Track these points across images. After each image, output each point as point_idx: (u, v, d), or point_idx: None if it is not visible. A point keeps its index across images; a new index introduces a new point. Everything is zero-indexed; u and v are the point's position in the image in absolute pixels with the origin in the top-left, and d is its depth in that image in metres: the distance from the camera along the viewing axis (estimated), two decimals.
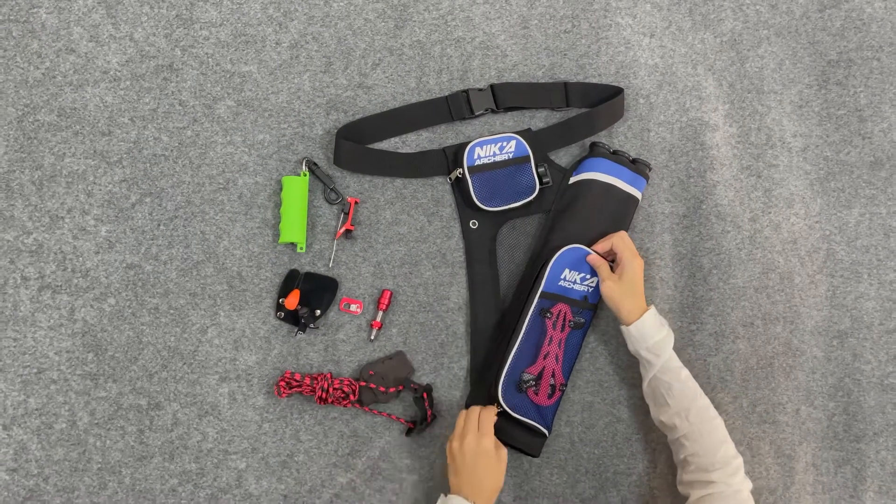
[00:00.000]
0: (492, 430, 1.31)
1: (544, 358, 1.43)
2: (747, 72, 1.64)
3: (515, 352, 1.41)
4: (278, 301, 1.43)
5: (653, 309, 1.38)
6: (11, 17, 1.44)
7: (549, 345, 1.43)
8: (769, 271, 1.57)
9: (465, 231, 1.50)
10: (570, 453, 1.48)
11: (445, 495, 1.26)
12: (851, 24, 1.69)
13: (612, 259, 1.44)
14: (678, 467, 1.35)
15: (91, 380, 1.38)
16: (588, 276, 1.46)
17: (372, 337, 1.45)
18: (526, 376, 1.42)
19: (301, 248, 1.45)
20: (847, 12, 1.69)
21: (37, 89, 1.43)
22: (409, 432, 1.43)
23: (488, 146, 1.49)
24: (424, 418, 1.42)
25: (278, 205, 1.46)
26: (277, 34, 1.51)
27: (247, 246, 1.45)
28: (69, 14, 1.46)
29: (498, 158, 1.48)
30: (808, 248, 1.61)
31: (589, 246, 1.45)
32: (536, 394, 1.42)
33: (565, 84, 1.56)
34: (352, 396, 1.38)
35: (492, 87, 1.54)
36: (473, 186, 1.47)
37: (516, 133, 1.50)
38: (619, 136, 1.58)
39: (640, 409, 1.49)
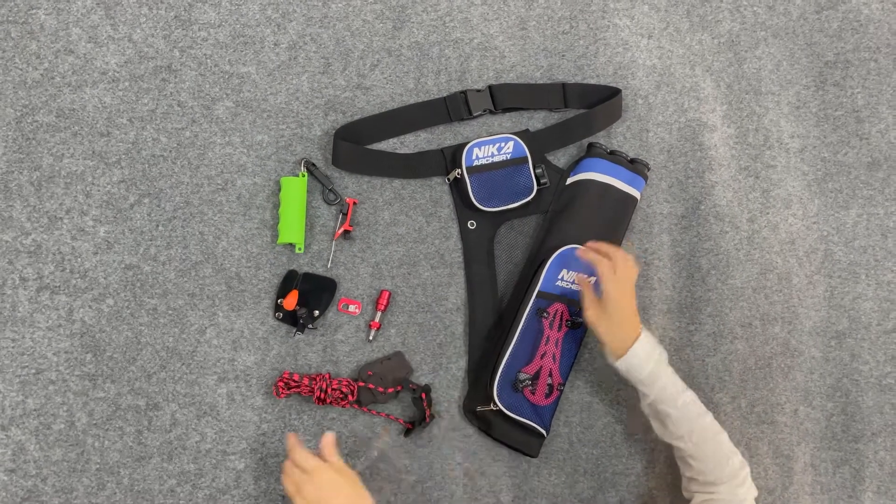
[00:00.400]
0: (336, 457, 1.19)
1: (541, 357, 1.43)
2: (745, 73, 1.65)
3: (511, 351, 1.41)
4: (277, 301, 1.43)
5: (643, 337, 1.29)
6: (10, 18, 1.44)
7: (545, 344, 1.43)
8: (767, 272, 1.58)
9: (464, 231, 1.50)
10: (569, 453, 1.48)
11: None
12: (849, 26, 1.70)
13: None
14: (682, 476, 1.35)
15: (89, 380, 1.38)
16: (586, 277, 1.46)
17: (370, 337, 1.45)
18: (522, 376, 1.42)
19: (299, 249, 1.45)
20: (844, 14, 1.70)
21: (35, 90, 1.43)
22: (407, 432, 1.43)
23: (486, 147, 1.49)
24: (423, 419, 1.41)
25: (277, 205, 1.46)
26: (276, 35, 1.51)
27: (245, 246, 1.45)
28: (68, 15, 1.46)
29: (496, 159, 1.49)
30: (805, 248, 1.61)
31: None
32: (533, 393, 1.42)
33: (563, 85, 1.57)
34: (350, 397, 1.38)
35: (490, 88, 1.54)
36: (472, 187, 1.47)
37: (514, 134, 1.50)
38: (618, 137, 1.58)
39: (639, 409, 1.49)
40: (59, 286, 1.39)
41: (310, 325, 1.42)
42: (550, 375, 1.43)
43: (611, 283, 1.29)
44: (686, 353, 1.53)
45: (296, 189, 1.43)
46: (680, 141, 1.59)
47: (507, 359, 1.41)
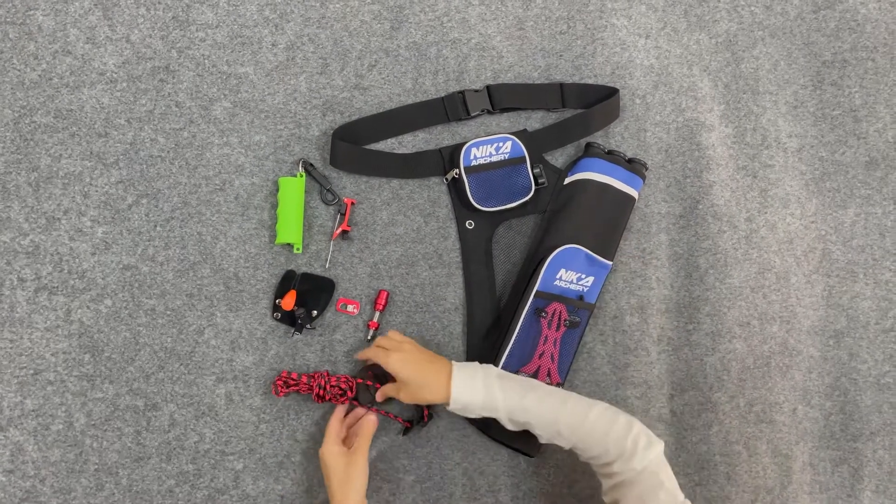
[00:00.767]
0: (331, 437, 1.30)
1: (539, 357, 1.43)
2: (742, 72, 1.65)
3: (510, 350, 1.41)
4: (275, 302, 1.43)
5: (455, 371, 1.26)
6: (8, 19, 1.44)
7: (544, 344, 1.43)
8: (765, 271, 1.58)
9: (462, 231, 1.50)
10: (568, 453, 1.47)
11: None
12: (846, 25, 1.70)
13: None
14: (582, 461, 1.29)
15: (88, 381, 1.38)
16: (584, 276, 1.46)
17: (369, 337, 1.45)
18: (521, 376, 1.42)
19: (298, 249, 1.45)
20: (841, 13, 1.70)
21: (33, 91, 1.43)
22: (405, 432, 1.43)
23: (484, 147, 1.49)
24: (421, 418, 1.41)
25: (275, 206, 1.46)
26: (274, 36, 1.52)
27: (243, 247, 1.45)
28: (66, 16, 1.46)
29: (494, 159, 1.49)
30: (804, 247, 1.61)
31: (587, 246, 1.45)
32: None
33: (561, 85, 1.57)
34: (349, 393, 1.37)
35: (488, 88, 1.54)
36: (470, 187, 1.47)
37: (512, 134, 1.50)
38: (616, 137, 1.58)
39: (638, 408, 1.49)
40: (58, 287, 1.39)
41: (308, 326, 1.42)
42: (549, 375, 1.43)
43: (382, 358, 1.29)
44: (684, 353, 1.53)
45: (294, 189, 1.43)
46: (678, 140, 1.59)
47: (506, 358, 1.41)
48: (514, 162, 1.49)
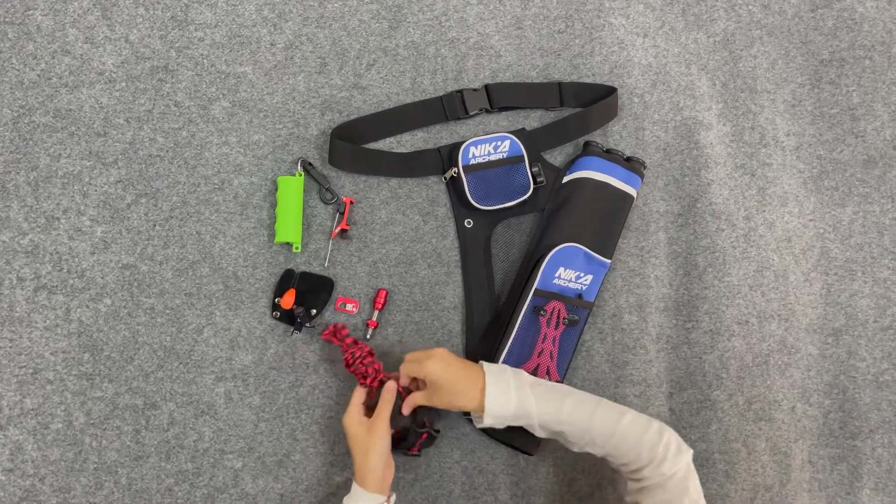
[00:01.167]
0: (352, 407, 1.28)
1: (538, 355, 1.43)
2: (740, 71, 1.65)
3: (509, 349, 1.41)
4: (274, 301, 1.43)
5: (487, 378, 1.23)
6: (7, 19, 1.45)
7: (543, 342, 1.43)
8: (764, 269, 1.58)
9: (460, 230, 1.50)
10: (567, 451, 1.48)
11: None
12: (843, 24, 1.70)
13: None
14: (612, 467, 1.29)
15: (87, 380, 1.38)
16: (583, 275, 1.46)
17: (368, 336, 1.45)
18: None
19: (297, 248, 1.45)
20: (839, 12, 1.70)
21: (32, 91, 1.44)
22: (394, 445, 1.35)
23: (483, 145, 1.49)
24: (410, 446, 1.36)
25: (274, 205, 1.46)
26: (272, 35, 1.52)
27: (242, 246, 1.45)
28: (64, 16, 1.47)
29: (492, 158, 1.49)
30: (802, 246, 1.61)
31: (586, 244, 1.45)
32: None
33: (559, 84, 1.57)
34: (369, 381, 1.33)
35: (486, 87, 1.55)
36: (468, 185, 1.47)
37: (510, 132, 1.51)
38: (615, 136, 1.59)
39: (637, 406, 1.49)
40: (57, 286, 1.39)
41: (307, 324, 1.42)
42: (548, 373, 1.43)
43: (415, 369, 1.26)
44: (683, 351, 1.53)
45: (293, 188, 1.43)
46: (676, 139, 1.59)
47: (505, 357, 1.41)
48: (513, 161, 1.49)
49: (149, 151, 1.45)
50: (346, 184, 1.49)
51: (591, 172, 1.50)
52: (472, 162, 1.48)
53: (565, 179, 1.52)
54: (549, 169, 1.53)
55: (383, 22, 1.55)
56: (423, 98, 1.54)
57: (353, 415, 1.27)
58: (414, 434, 1.34)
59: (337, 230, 1.46)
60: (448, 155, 1.51)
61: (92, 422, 1.37)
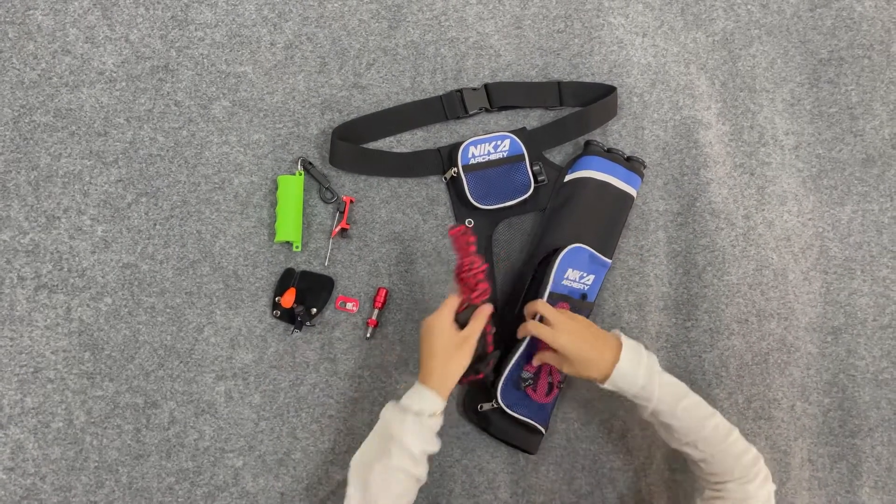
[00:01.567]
0: (447, 308, 1.26)
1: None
2: (739, 70, 1.66)
3: (522, 352, 1.40)
4: (274, 299, 1.44)
5: (624, 351, 1.24)
6: (7, 19, 1.45)
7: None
8: (763, 268, 1.58)
9: None
10: (567, 450, 1.48)
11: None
12: (842, 23, 1.71)
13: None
14: (693, 470, 1.31)
15: (88, 379, 1.38)
16: (586, 275, 1.46)
17: (368, 335, 1.45)
18: (525, 374, 1.42)
19: (297, 247, 1.45)
20: (838, 11, 1.71)
21: (33, 90, 1.44)
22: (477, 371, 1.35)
23: (483, 145, 1.49)
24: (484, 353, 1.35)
25: (274, 204, 1.46)
26: (272, 35, 1.52)
27: (243, 245, 1.45)
28: (65, 16, 1.47)
29: (492, 157, 1.49)
30: (801, 244, 1.61)
31: (587, 244, 1.45)
32: (535, 391, 1.42)
33: (559, 83, 1.58)
34: (475, 296, 1.29)
35: (486, 86, 1.55)
36: (468, 185, 1.47)
37: (511, 132, 1.51)
38: (614, 135, 1.59)
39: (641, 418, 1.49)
40: (57, 285, 1.39)
41: (307, 323, 1.43)
42: (550, 373, 1.43)
43: (549, 337, 1.26)
44: (683, 350, 1.54)
45: (293, 187, 1.44)
46: (675, 138, 1.60)
47: (517, 357, 1.40)
48: (513, 160, 1.49)
49: (149, 151, 1.45)
50: (346, 183, 1.50)
51: (593, 172, 1.50)
52: (472, 161, 1.48)
53: (566, 179, 1.52)
54: (551, 168, 1.53)
55: (383, 21, 1.56)
56: (422, 97, 1.54)
57: (447, 318, 1.26)
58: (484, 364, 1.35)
59: (337, 229, 1.46)
60: (448, 155, 1.51)
61: (93, 420, 1.37)
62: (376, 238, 1.49)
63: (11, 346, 1.37)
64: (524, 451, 1.45)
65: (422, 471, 1.20)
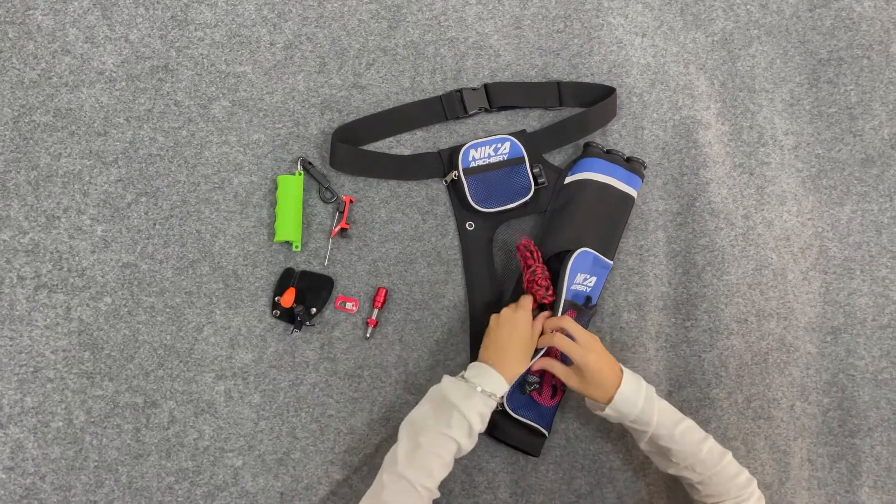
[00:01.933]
0: (529, 305, 1.36)
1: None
2: (739, 70, 1.66)
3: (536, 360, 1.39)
4: (274, 299, 1.44)
5: (625, 378, 1.28)
6: (7, 19, 1.45)
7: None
8: (762, 268, 1.58)
9: (462, 233, 1.50)
10: (566, 450, 1.48)
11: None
12: (841, 24, 1.71)
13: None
14: (690, 493, 1.35)
15: (87, 378, 1.38)
16: (589, 277, 1.46)
17: (368, 335, 1.45)
18: (531, 378, 1.42)
19: (296, 247, 1.45)
20: (837, 11, 1.71)
21: (33, 90, 1.44)
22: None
23: (483, 148, 1.49)
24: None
25: (273, 204, 1.47)
26: (272, 35, 1.52)
27: (242, 245, 1.45)
28: (65, 16, 1.47)
29: (493, 160, 1.49)
30: (800, 244, 1.62)
31: (589, 246, 1.45)
32: (540, 395, 1.42)
33: (558, 83, 1.58)
34: (543, 294, 1.38)
35: (485, 86, 1.55)
36: (469, 188, 1.47)
37: (510, 134, 1.51)
38: (614, 135, 1.59)
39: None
40: (57, 285, 1.40)
41: (307, 323, 1.43)
42: (554, 377, 1.43)
43: (577, 354, 1.28)
44: (682, 350, 1.54)
45: (292, 187, 1.44)
46: (674, 138, 1.60)
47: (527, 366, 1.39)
48: (514, 162, 1.49)
49: (149, 150, 1.46)
50: (346, 183, 1.50)
51: (593, 174, 1.50)
52: (473, 164, 1.48)
53: (567, 181, 1.52)
54: (551, 170, 1.53)
55: (382, 21, 1.56)
56: (422, 97, 1.55)
57: (529, 316, 1.34)
58: None
59: (336, 229, 1.46)
60: (448, 158, 1.51)
61: (92, 420, 1.38)
62: (376, 238, 1.49)
63: (11, 345, 1.37)
64: (528, 454, 1.45)
65: (471, 446, 1.23)
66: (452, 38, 1.57)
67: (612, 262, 1.50)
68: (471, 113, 1.54)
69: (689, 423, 1.29)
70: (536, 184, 1.49)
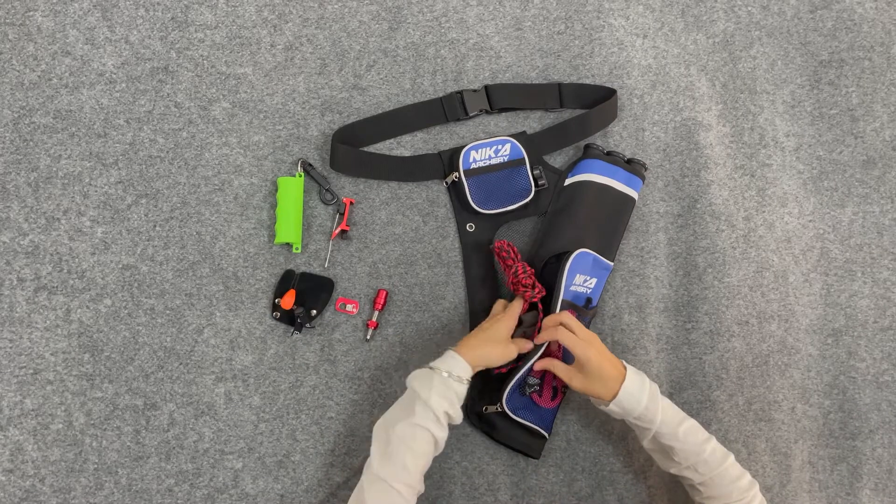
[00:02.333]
0: (517, 309, 1.37)
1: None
2: (740, 72, 1.66)
3: (534, 359, 1.39)
4: (274, 301, 1.43)
5: (629, 375, 1.27)
6: (7, 20, 1.45)
7: (549, 345, 1.42)
8: (763, 270, 1.58)
9: (462, 234, 1.50)
10: (567, 452, 1.48)
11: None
12: (842, 25, 1.70)
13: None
14: (691, 494, 1.35)
15: (87, 380, 1.38)
16: (589, 278, 1.46)
17: (368, 336, 1.45)
18: (531, 380, 1.42)
19: (297, 249, 1.45)
20: (838, 13, 1.71)
21: (33, 92, 1.44)
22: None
23: (483, 149, 1.49)
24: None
25: (274, 205, 1.46)
26: (272, 36, 1.52)
27: (242, 246, 1.45)
28: (65, 17, 1.47)
29: (493, 161, 1.49)
30: (802, 246, 1.61)
31: (589, 248, 1.45)
32: (540, 396, 1.42)
33: (559, 85, 1.57)
34: (534, 291, 1.37)
35: (486, 88, 1.55)
36: (469, 190, 1.47)
37: (511, 136, 1.51)
38: (615, 136, 1.59)
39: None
40: (57, 286, 1.39)
41: (307, 325, 1.42)
42: (555, 378, 1.43)
43: (579, 348, 1.27)
44: (683, 352, 1.53)
45: (293, 189, 1.44)
46: (676, 140, 1.60)
47: (527, 366, 1.39)
48: (514, 164, 1.49)
49: (149, 152, 1.45)
50: (346, 184, 1.50)
51: (593, 175, 1.50)
52: (473, 166, 1.48)
53: (567, 182, 1.52)
54: (551, 171, 1.53)
55: (383, 23, 1.56)
56: (422, 99, 1.54)
57: (516, 312, 1.36)
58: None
59: (337, 231, 1.46)
60: (449, 160, 1.51)
61: (92, 422, 1.37)
62: (376, 239, 1.49)
63: (11, 347, 1.37)
64: (528, 455, 1.44)
65: (442, 434, 1.22)
66: (453, 39, 1.57)
67: (612, 264, 1.50)
68: (471, 114, 1.54)
69: (692, 423, 1.29)
70: (537, 185, 1.49)
